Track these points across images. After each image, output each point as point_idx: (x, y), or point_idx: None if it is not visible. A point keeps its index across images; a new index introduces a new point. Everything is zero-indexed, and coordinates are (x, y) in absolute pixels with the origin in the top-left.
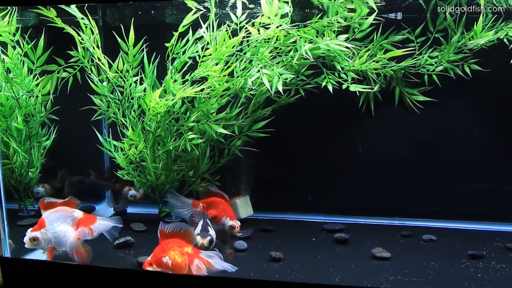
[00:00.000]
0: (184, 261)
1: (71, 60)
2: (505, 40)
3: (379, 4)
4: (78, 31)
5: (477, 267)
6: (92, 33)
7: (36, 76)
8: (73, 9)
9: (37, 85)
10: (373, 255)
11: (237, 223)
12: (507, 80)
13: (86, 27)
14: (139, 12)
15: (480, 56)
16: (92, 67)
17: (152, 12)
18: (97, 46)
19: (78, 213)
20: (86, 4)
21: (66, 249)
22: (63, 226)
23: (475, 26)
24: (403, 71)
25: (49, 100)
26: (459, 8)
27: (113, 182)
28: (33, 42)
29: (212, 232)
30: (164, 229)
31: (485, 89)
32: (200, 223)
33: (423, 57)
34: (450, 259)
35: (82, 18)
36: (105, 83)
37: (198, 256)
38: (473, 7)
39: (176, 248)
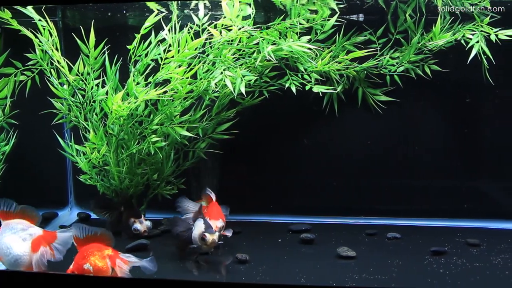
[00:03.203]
0: (106, 265)
1: (28, 63)
2: (462, 41)
3: (340, 6)
4: (37, 33)
5: (440, 263)
6: (51, 35)
7: None
8: (29, 10)
9: None
10: (339, 254)
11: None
12: (465, 79)
13: (44, 29)
14: (100, 14)
15: (439, 57)
16: (52, 70)
17: (114, 14)
18: (56, 49)
19: (37, 230)
20: (44, 6)
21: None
22: (8, 238)
23: (433, 27)
24: (365, 72)
25: (7, 104)
26: (417, 10)
27: (118, 212)
28: None
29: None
30: (79, 236)
31: (444, 89)
32: (202, 221)
33: (384, 58)
34: (413, 256)
35: (40, 20)
36: (65, 86)
37: (118, 256)
38: (432, 9)
39: (95, 253)
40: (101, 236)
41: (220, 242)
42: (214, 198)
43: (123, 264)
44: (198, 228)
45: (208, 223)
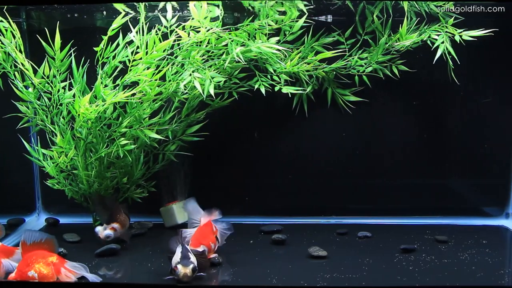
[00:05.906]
0: (51, 272)
1: None
2: (428, 41)
3: (309, 7)
4: None
5: (409, 260)
6: (14, 36)
7: None
8: None
9: None
10: (310, 254)
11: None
12: (431, 78)
13: (6, 30)
14: (67, 15)
15: (406, 57)
16: (16, 73)
17: (81, 15)
18: (20, 51)
19: None
20: (5, 6)
21: None
22: None
23: (400, 28)
24: (334, 73)
25: None
26: (384, 11)
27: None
28: None
29: (194, 259)
30: (25, 241)
31: (412, 89)
32: (179, 250)
33: (353, 58)
34: (384, 254)
35: (1, 21)
36: (30, 89)
37: (63, 265)
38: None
39: (40, 260)
40: (46, 242)
41: (201, 274)
42: (204, 220)
43: (70, 273)
44: (176, 256)
45: (186, 252)
